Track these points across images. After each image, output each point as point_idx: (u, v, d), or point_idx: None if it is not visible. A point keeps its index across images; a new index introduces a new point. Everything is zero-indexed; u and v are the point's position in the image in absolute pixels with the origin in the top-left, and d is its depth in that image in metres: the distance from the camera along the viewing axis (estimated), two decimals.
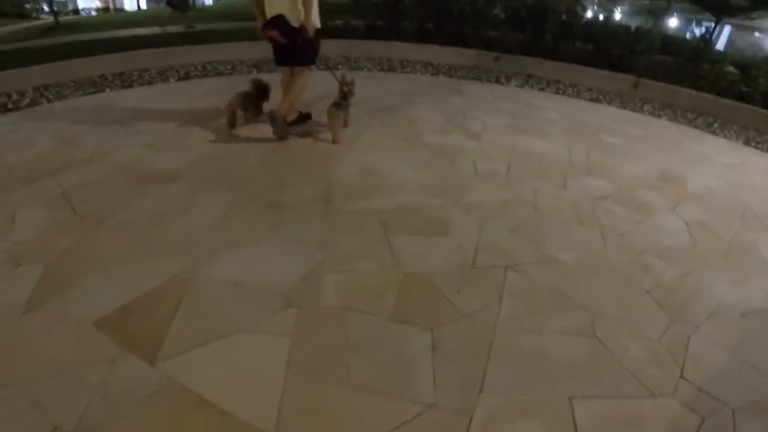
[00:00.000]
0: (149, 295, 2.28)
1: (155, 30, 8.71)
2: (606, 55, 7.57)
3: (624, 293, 2.60)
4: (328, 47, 7.12)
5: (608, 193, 3.66)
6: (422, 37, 8.02)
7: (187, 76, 5.91)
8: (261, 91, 4.33)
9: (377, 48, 7.56)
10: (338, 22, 8.07)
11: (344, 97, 4.18)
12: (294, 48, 3.74)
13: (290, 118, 4.27)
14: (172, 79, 5.80)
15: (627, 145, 4.77)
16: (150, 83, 5.66)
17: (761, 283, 2.83)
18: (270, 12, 3.67)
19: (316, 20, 3.73)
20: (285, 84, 4.07)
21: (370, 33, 7.99)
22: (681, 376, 2.13)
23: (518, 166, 3.94)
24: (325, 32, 4.20)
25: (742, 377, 2.16)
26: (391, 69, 6.90)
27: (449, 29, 8.05)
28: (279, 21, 3.62)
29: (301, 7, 3.57)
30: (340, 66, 6.67)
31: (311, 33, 3.65)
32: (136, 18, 13.23)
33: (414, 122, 4.72)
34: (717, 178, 4.25)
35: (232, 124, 4.23)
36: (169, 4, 10.09)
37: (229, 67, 6.37)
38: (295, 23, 3.62)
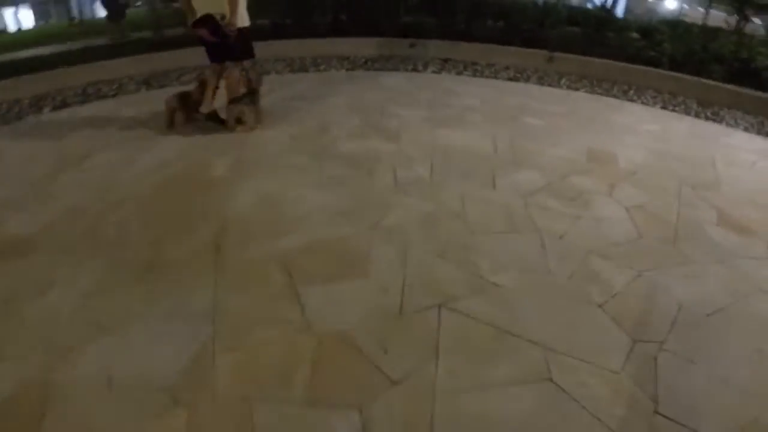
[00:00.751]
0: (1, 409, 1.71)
1: (37, 52, 7.49)
2: (518, 31, 7.28)
3: (575, 315, 2.19)
4: None
5: (540, 186, 3.26)
6: (337, 30, 7.36)
7: (63, 104, 4.96)
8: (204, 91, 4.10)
9: (287, 48, 6.83)
10: None
11: (251, 93, 3.97)
12: (225, 46, 3.71)
13: (206, 109, 4.05)
14: (46, 109, 4.84)
15: (551, 126, 4.43)
16: (19, 118, 4.69)
17: (717, 273, 2.53)
18: (198, 10, 3.63)
19: (243, 18, 3.72)
20: (209, 80, 4.00)
21: (279, 32, 7.23)
22: (655, 410, 1.75)
23: (442, 167, 3.46)
24: None
25: (724, 400, 1.81)
26: (303, 69, 6.21)
27: (364, 19, 7.45)
28: (207, 20, 3.60)
29: (226, 5, 3.50)
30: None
31: (234, 31, 3.60)
32: (16, 40, 11.49)
33: (326, 129, 4.10)
34: (645, 150, 3.99)
35: (171, 123, 4.08)
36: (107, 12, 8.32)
37: (114, 87, 5.44)
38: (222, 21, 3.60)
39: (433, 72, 6.39)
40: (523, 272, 2.43)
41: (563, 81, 6.19)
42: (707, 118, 5.10)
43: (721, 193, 3.31)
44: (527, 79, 6.22)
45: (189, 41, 5.26)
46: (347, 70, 6.23)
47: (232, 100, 3.95)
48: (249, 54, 3.94)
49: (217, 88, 4.04)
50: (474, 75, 6.35)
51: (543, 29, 7.28)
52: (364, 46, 7.05)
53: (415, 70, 6.43)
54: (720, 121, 5.03)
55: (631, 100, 5.57)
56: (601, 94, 5.77)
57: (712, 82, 5.93)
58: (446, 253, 2.56)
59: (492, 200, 3.05)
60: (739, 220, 3.02)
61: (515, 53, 6.96)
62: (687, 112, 5.27)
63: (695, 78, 5.98)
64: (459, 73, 6.40)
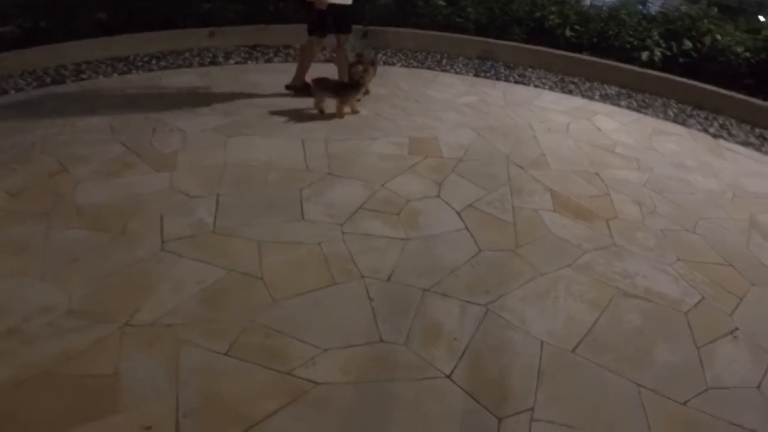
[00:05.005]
0: None
1: None
2: None
3: (419, 400, 1.47)
4: None
5: (360, 202, 2.46)
6: (111, 28, 5.58)
7: None
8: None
9: (40, 57, 4.90)
10: None
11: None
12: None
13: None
14: None
15: (369, 115, 3.65)
16: None
17: (570, 282, 2.03)
18: None
19: None
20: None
21: (31, 40, 5.21)
22: None
23: (233, 202, 2.42)
24: None
25: None
26: (59, 80, 4.45)
27: (152, 12, 5.77)
28: None
29: None
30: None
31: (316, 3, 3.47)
32: None
33: (65, 170, 2.64)
34: (467, 129, 3.45)
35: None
36: None
37: None
38: None
39: (238, 63, 5.18)
40: (347, 350, 1.62)
41: (380, 56, 5.51)
42: (516, 81, 4.87)
43: (550, 170, 2.90)
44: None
45: None
46: (120, 74, 4.65)
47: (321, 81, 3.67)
48: (311, 29, 3.82)
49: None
50: (286, 60, 5.31)
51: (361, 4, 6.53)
52: (148, 43, 5.45)
53: (214, 63, 5.11)
54: (528, 83, 4.82)
55: (445, 70, 5.11)
56: (416, 66, 5.21)
57: (514, 44, 5.79)
58: (238, 347, 1.63)
59: (300, 240, 2.15)
60: (575, 200, 2.62)
61: None
62: (498, 77, 4.99)
63: (500, 42, 5.78)
64: (269, 61, 5.30)
